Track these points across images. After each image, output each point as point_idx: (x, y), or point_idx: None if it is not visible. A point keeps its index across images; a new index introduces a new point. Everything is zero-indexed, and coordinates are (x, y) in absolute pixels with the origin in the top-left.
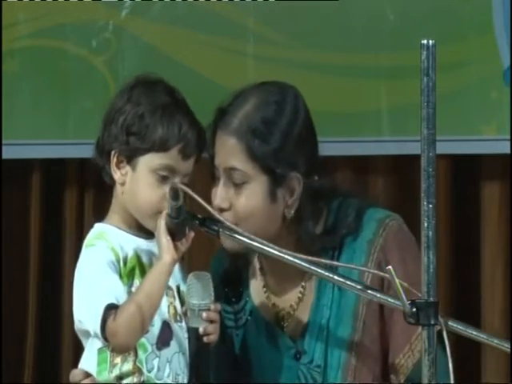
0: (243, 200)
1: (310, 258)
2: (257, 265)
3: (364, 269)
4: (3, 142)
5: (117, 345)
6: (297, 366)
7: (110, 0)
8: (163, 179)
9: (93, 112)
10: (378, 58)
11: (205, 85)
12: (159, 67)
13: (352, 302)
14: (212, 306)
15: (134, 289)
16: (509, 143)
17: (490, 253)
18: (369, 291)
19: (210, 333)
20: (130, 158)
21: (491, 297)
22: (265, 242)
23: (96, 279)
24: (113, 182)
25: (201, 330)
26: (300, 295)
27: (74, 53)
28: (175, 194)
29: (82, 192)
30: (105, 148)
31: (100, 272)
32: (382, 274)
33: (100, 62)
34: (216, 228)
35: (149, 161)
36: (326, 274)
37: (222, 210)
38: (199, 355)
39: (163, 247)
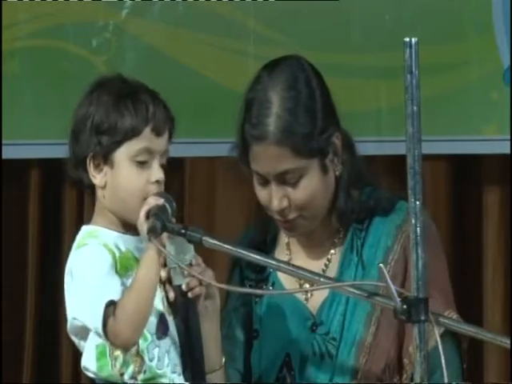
0: (301, 193)
1: (294, 266)
2: (284, 240)
3: (356, 282)
4: (3, 142)
5: (121, 344)
6: (312, 336)
7: (110, 0)
8: (143, 164)
9: None
10: (378, 58)
11: (205, 85)
12: (159, 67)
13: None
14: (193, 261)
15: (130, 280)
16: (509, 143)
17: (491, 252)
18: (357, 291)
19: (194, 286)
20: (106, 156)
21: (492, 296)
22: (251, 250)
23: (94, 277)
24: (92, 191)
25: (183, 286)
26: (324, 268)
27: (74, 53)
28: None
29: (82, 192)
30: (79, 158)
31: (97, 270)
32: (379, 283)
33: (100, 62)
34: (199, 236)
35: (125, 151)
36: (325, 279)
37: (282, 210)
38: (192, 342)
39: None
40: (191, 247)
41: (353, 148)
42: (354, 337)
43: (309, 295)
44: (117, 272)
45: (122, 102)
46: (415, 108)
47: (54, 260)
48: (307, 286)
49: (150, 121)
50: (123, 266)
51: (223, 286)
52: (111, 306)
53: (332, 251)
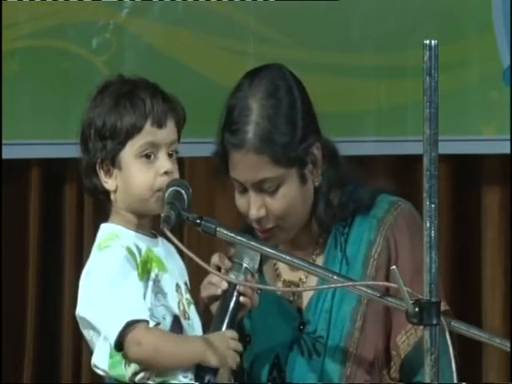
0: (279, 202)
1: (303, 260)
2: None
3: (356, 283)
4: (3, 142)
5: (133, 355)
6: (300, 336)
7: (111, 0)
8: (148, 158)
9: None
10: (378, 58)
11: (205, 85)
12: (159, 67)
13: (359, 276)
14: (256, 275)
15: (150, 282)
16: (509, 143)
17: (491, 252)
18: (369, 291)
19: (247, 294)
20: (113, 159)
21: (492, 296)
22: (264, 243)
23: (115, 284)
24: (107, 197)
25: (241, 288)
26: None
27: (74, 53)
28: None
29: (82, 192)
30: (89, 166)
31: (119, 277)
32: (386, 284)
33: (100, 62)
34: (213, 226)
35: (130, 150)
36: (325, 273)
37: (260, 219)
38: None
39: (223, 351)
40: (257, 259)
41: (335, 156)
42: (341, 332)
43: (295, 296)
44: (138, 274)
45: (120, 103)
46: (433, 110)
47: (54, 260)
48: (293, 285)
49: (149, 115)
50: (144, 270)
51: (272, 288)
52: (132, 325)
53: (317, 251)
